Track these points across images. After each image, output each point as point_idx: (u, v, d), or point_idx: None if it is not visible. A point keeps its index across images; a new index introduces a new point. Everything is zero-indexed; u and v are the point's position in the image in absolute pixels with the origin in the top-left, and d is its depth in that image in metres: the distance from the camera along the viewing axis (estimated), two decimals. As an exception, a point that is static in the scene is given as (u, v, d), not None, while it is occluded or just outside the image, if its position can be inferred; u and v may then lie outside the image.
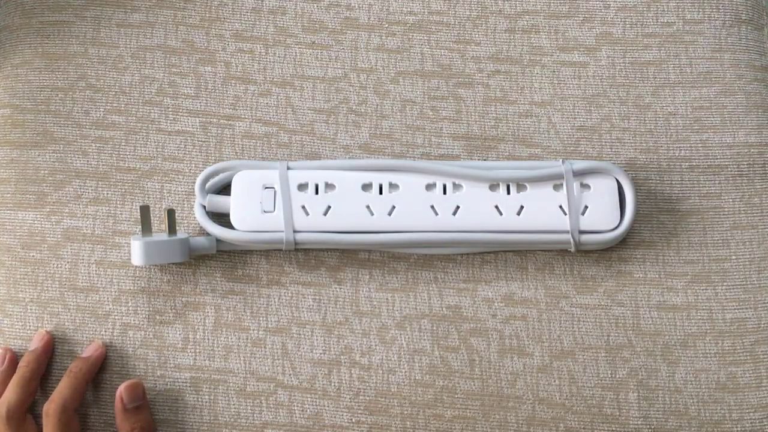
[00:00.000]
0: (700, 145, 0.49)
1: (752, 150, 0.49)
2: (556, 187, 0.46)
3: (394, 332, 0.46)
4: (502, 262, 0.47)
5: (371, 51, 0.51)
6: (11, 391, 0.43)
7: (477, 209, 0.45)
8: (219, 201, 0.46)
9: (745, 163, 0.49)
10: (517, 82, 0.50)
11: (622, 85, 0.50)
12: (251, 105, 0.50)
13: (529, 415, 0.45)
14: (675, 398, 0.45)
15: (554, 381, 0.45)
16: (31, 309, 0.47)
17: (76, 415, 0.43)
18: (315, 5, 0.52)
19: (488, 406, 0.45)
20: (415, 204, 0.45)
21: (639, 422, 0.45)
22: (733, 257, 0.47)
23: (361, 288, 0.47)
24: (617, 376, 0.45)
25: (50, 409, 0.42)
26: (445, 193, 0.46)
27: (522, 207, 0.45)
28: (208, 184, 0.46)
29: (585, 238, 0.45)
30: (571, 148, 0.49)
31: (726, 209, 0.48)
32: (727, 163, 0.49)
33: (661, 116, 0.50)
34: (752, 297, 0.47)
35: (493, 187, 0.46)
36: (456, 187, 0.46)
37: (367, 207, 0.45)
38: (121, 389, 0.43)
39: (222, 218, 0.47)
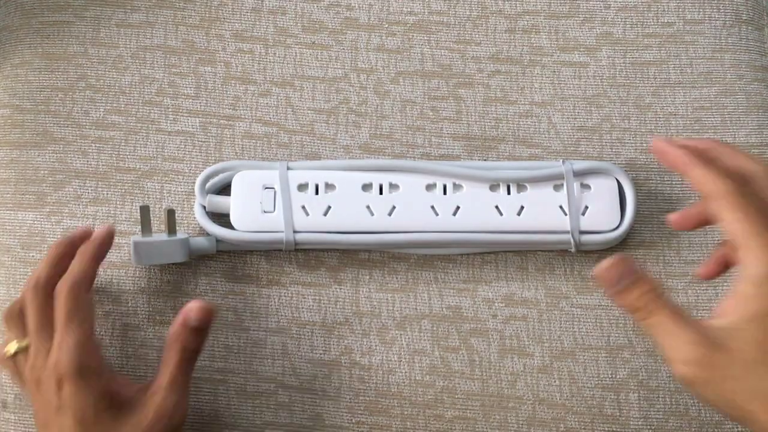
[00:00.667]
0: (700, 145, 0.49)
1: (753, 150, 0.49)
2: (557, 188, 0.46)
3: (394, 332, 0.46)
4: (503, 262, 0.47)
5: (371, 51, 0.51)
6: (75, 266, 0.42)
7: (477, 209, 0.45)
8: (219, 201, 0.46)
9: (745, 163, 0.49)
10: (518, 82, 0.50)
11: (623, 86, 0.50)
12: (251, 105, 0.50)
13: (530, 416, 0.45)
14: (675, 399, 0.45)
15: (555, 381, 0.45)
16: (30, 309, 0.47)
17: (89, 295, 0.42)
18: (315, 5, 0.52)
19: (488, 407, 0.45)
20: (415, 204, 0.45)
21: (639, 423, 0.45)
22: (734, 257, 0.47)
23: (361, 288, 0.47)
24: (618, 377, 0.45)
25: (61, 287, 0.41)
26: (445, 193, 0.45)
27: (522, 207, 0.45)
28: (208, 185, 0.46)
29: (585, 238, 0.45)
30: (572, 149, 0.49)
31: (726, 209, 0.48)
32: (727, 164, 0.49)
33: (661, 116, 0.50)
34: (753, 297, 0.47)
35: (494, 187, 0.46)
36: (456, 187, 0.46)
37: (368, 207, 0.45)
38: (193, 306, 0.40)
39: (222, 218, 0.47)
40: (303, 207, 0.45)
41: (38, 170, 0.49)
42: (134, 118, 0.50)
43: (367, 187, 0.46)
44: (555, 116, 0.50)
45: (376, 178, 0.46)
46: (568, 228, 0.45)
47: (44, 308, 0.41)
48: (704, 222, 0.38)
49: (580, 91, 0.50)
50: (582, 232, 0.45)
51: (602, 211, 0.45)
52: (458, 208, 0.45)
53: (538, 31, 0.51)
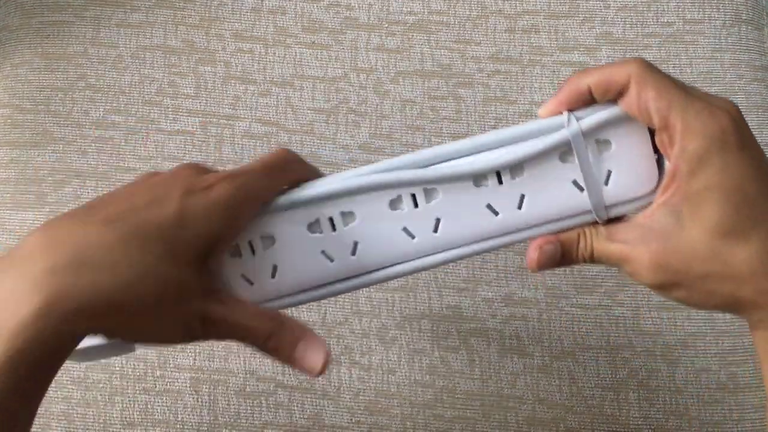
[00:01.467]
0: (700, 145, 0.49)
1: (752, 150, 0.49)
2: (563, 157, 0.33)
3: (394, 332, 0.46)
4: (502, 261, 0.47)
5: (371, 51, 0.51)
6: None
7: (464, 216, 0.34)
8: None
9: (745, 162, 0.48)
10: (517, 82, 0.50)
11: (623, 85, 0.50)
12: (251, 105, 0.50)
13: (530, 415, 0.45)
14: (675, 398, 0.45)
15: (554, 381, 0.45)
16: (30, 309, 0.47)
17: (278, 185, 0.33)
18: (315, 5, 0.52)
19: (488, 406, 0.45)
20: (380, 232, 0.34)
21: (639, 422, 0.45)
22: (734, 257, 0.47)
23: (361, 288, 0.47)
24: (618, 376, 0.45)
25: (278, 151, 0.33)
26: (416, 206, 0.33)
27: (523, 196, 0.34)
28: None
29: (616, 210, 0.34)
30: (572, 148, 0.49)
31: (726, 209, 0.48)
32: (727, 163, 0.48)
33: (661, 116, 0.50)
34: (753, 297, 0.47)
35: (479, 179, 0.33)
36: (429, 193, 0.34)
37: (323, 253, 0.34)
38: (321, 360, 0.31)
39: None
40: (242, 276, 0.33)
41: (38, 170, 0.49)
42: (134, 118, 0.50)
43: (313, 226, 0.34)
44: (555, 116, 0.50)
45: (322, 213, 0.33)
46: (589, 207, 0.33)
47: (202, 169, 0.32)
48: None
49: (579, 90, 0.50)
50: (608, 207, 0.34)
51: (632, 172, 0.33)
52: (438, 220, 0.34)
53: (538, 30, 0.51)
